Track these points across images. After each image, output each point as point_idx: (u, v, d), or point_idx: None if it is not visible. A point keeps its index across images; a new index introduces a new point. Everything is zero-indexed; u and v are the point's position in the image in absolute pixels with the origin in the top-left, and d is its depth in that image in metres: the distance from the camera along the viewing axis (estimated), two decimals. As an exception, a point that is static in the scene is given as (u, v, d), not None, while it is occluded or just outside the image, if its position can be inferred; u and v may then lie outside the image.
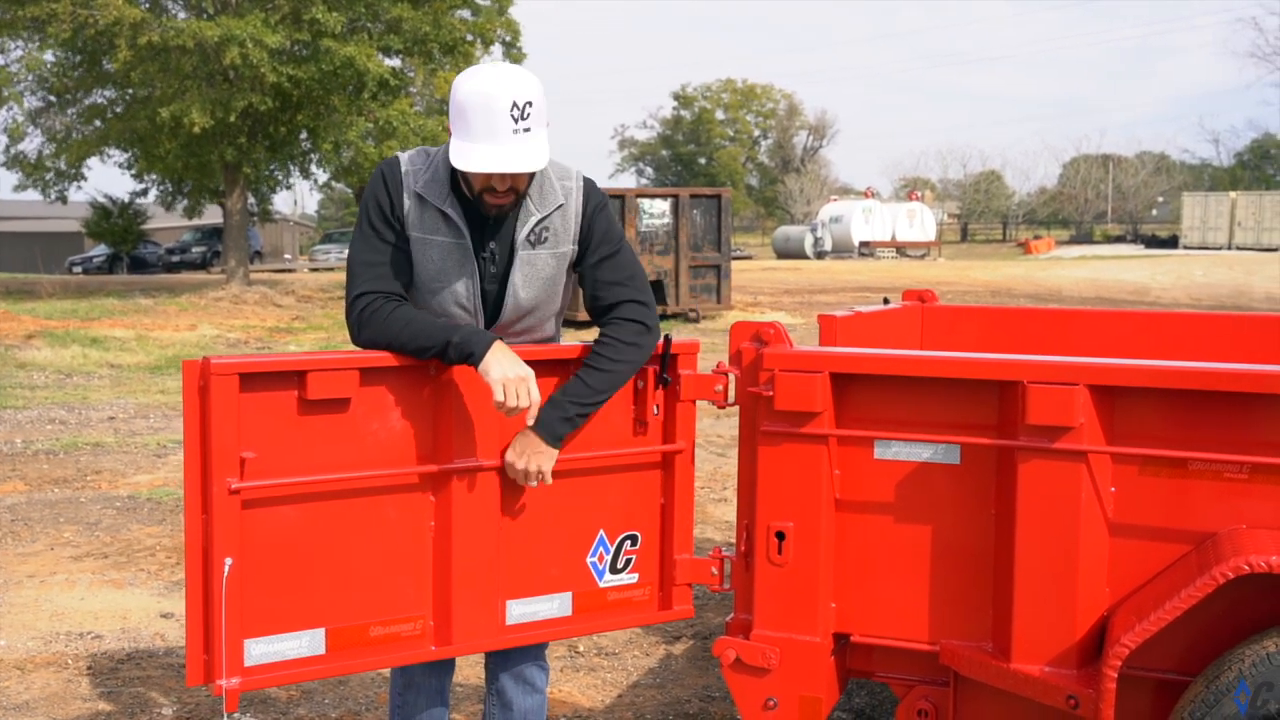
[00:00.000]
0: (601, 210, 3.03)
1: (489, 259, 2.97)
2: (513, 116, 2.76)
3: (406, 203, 2.92)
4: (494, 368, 2.78)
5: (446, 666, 3.20)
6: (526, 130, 2.78)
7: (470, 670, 4.37)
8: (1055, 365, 2.74)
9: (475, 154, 2.78)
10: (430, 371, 2.88)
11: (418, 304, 2.97)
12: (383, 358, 2.83)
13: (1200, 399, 2.65)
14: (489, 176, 2.83)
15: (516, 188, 2.87)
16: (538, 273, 3.00)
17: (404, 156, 2.97)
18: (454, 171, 2.92)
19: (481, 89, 2.79)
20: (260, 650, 2.75)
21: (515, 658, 3.18)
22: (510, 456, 2.91)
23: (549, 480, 2.93)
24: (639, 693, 4.45)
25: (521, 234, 2.96)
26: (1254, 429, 2.62)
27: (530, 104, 2.79)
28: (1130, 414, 2.71)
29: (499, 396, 2.78)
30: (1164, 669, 2.73)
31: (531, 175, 2.89)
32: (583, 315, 3.15)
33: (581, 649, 4.88)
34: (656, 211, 19.64)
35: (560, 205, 2.99)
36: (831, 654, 3.00)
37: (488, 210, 2.90)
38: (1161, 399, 2.69)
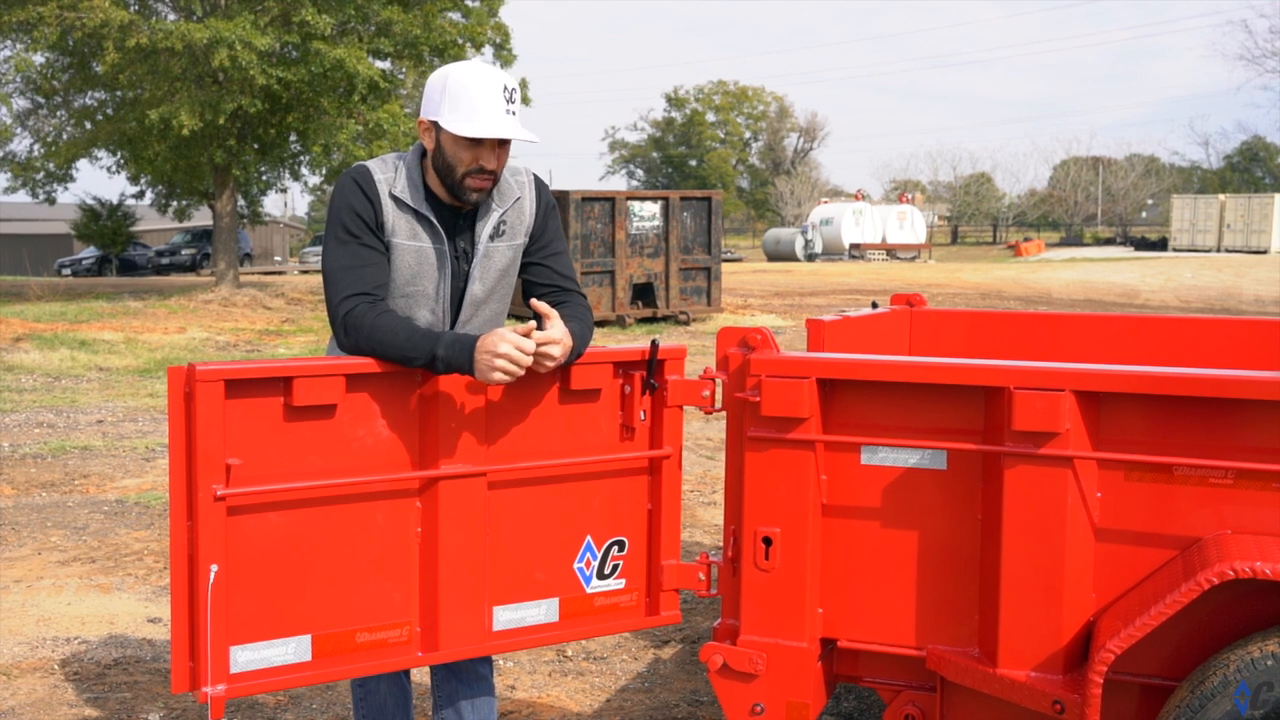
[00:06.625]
0: (553, 206, 3.17)
1: (461, 258, 3.03)
2: (505, 98, 2.88)
3: (385, 208, 2.94)
4: (490, 373, 2.77)
5: None
6: (513, 114, 2.90)
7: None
8: (1041, 371, 2.74)
9: (480, 123, 2.85)
10: (416, 378, 2.88)
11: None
12: (369, 364, 2.83)
13: (1185, 404, 2.66)
14: (479, 155, 2.89)
15: (497, 171, 2.94)
16: (494, 264, 3.07)
17: (372, 164, 3.00)
18: (425, 175, 2.98)
19: (475, 72, 2.90)
20: (246, 657, 2.74)
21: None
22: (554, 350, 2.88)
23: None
24: (627, 697, 4.45)
25: (486, 230, 3.03)
26: (1239, 434, 2.63)
27: (515, 92, 2.91)
28: (1116, 419, 2.72)
29: (508, 381, 2.81)
30: (1150, 674, 2.74)
31: (503, 164, 2.99)
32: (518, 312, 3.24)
33: (570, 653, 4.87)
34: (647, 214, 19.64)
35: (518, 198, 3.08)
36: (818, 659, 3.00)
37: (468, 196, 2.94)
38: (1147, 404, 2.69)
